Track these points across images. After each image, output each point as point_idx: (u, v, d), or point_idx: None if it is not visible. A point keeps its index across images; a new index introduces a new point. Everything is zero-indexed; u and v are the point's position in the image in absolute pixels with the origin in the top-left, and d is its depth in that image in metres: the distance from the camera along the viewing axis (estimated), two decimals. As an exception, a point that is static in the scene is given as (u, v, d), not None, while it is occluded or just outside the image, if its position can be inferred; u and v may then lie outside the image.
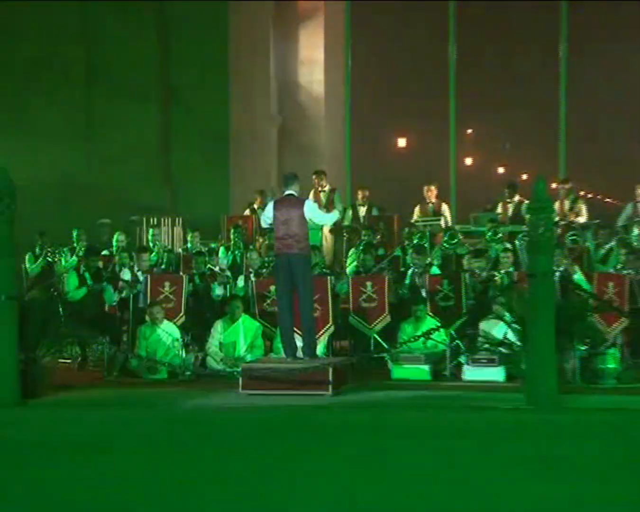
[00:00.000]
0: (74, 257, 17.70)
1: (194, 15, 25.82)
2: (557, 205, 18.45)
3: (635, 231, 18.21)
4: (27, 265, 17.81)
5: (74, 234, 18.45)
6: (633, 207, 19.46)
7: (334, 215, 15.14)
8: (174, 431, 11.40)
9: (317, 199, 17.71)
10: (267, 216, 14.21)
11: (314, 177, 19.40)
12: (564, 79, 24.78)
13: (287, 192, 14.08)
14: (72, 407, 12.88)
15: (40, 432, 11.38)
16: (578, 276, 15.56)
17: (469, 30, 27.81)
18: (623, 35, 45.61)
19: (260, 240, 19.01)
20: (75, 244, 18.25)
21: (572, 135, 25.71)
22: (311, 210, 14.12)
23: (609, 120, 50.45)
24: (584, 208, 19.68)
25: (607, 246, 17.85)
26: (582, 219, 19.34)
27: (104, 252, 18.28)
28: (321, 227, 18.76)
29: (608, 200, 46.35)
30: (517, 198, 19.95)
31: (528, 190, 14.80)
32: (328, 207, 17.53)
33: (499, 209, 20.07)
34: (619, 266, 16.23)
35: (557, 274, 14.53)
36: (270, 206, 14.19)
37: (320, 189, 19.30)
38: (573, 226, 18.83)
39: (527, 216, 18.66)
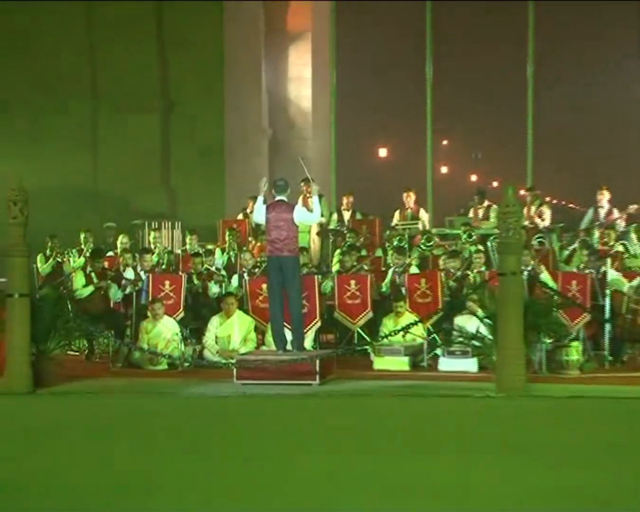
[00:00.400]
0: (82, 258, 17.67)
1: (192, 36, 25.85)
2: (524, 210, 18.46)
3: (596, 234, 18.24)
4: (39, 265, 17.77)
5: (82, 236, 18.41)
6: (594, 212, 19.47)
7: (317, 210, 15.15)
8: (174, 416, 11.41)
9: (305, 205, 17.65)
10: (259, 213, 14.22)
11: (302, 184, 19.37)
12: (531, 94, 24.79)
13: (278, 198, 14.09)
14: (79, 395, 12.86)
15: (51, 418, 11.37)
16: (544, 275, 15.59)
17: (444, 50, 27.86)
18: (588, 48, 45.78)
19: (253, 242, 19.02)
20: (83, 246, 18.21)
21: (539, 146, 25.72)
22: (300, 213, 14.21)
23: (573, 132, 50.61)
24: (548, 212, 19.71)
25: (571, 248, 17.89)
26: (545, 223, 19.35)
27: (109, 253, 18.25)
28: (309, 231, 18.77)
29: (571, 205, 46.46)
30: (486, 203, 20.01)
31: (498, 196, 14.84)
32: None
33: (471, 214, 20.12)
34: (581, 266, 16.24)
35: (525, 273, 14.55)
36: (263, 207, 14.17)
37: (308, 195, 19.25)
38: (540, 229, 18.87)
39: (492, 218, 18.87)
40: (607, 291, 15.15)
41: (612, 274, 15.54)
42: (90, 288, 16.29)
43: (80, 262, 17.44)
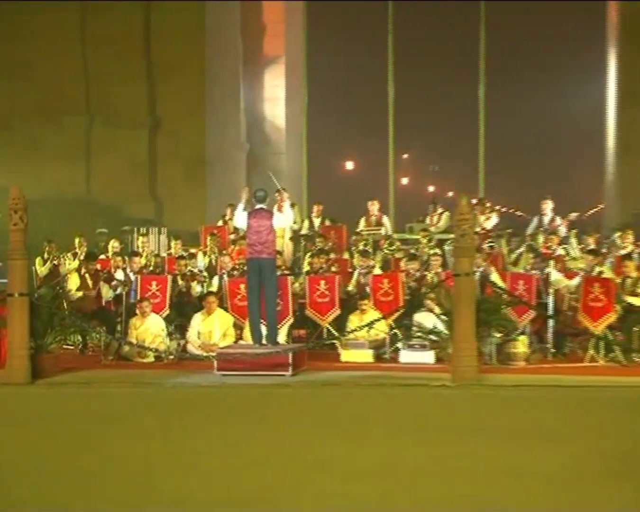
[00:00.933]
0: (76, 261, 17.58)
1: (178, 60, 25.88)
2: (476, 218, 18.49)
3: (541, 239, 18.31)
4: (37, 267, 17.66)
5: (76, 241, 18.32)
6: (539, 219, 19.56)
7: (288, 213, 15.14)
8: (161, 404, 11.37)
9: (279, 211, 17.56)
10: (240, 219, 14.26)
11: (276, 194, 19.32)
12: (482, 112, 24.90)
13: (258, 206, 14.09)
14: (74, 385, 12.79)
15: (48, 406, 11.31)
16: (494, 276, 15.63)
17: (405, 72, 27.91)
18: (535, 64, 45.98)
19: (232, 247, 18.97)
20: (77, 250, 18.13)
21: (490, 159, 25.84)
22: (277, 219, 14.27)
23: (521, 145, 50.80)
24: (494, 217, 19.79)
25: (518, 251, 17.95)
26: (490, 224, 19.41)
27: (102, 257, 18.17)
28: (283, 235, 18.73)
29: (519, 213, 46.62)
30: (440, 211, 20.08)
31: (453, 204, 14.87)
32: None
33: (428, 221, 20.18)
34: (527, 268, 16.29)
35: (477, 274, 14.58)
36: (244, 213, 14.17)
37: (281, 204, 19.16)
38: (490, 234, 18.93)
39: (441, 224, 18.96)
40: (550, 290, 15.22)
41: (555, 275, 15.62)
42: (80, 293, 16.19)
43: (74, 265, 17.35)
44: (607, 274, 15.32)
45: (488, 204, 20.86)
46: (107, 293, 16.43)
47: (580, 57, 37.77)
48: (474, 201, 19.58)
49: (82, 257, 17.51)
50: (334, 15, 39.45)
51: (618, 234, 18.40)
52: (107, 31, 25.89)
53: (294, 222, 18.60)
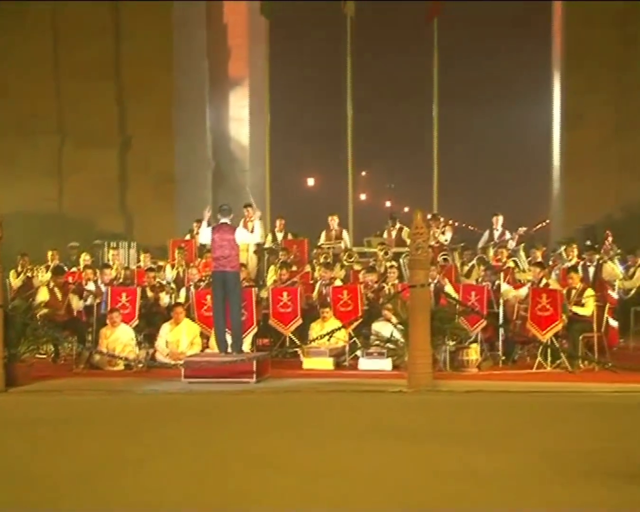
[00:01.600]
0: (48, 273, 17.45)
1: (147, 82, 25.82)
2: (430, 232, 18.54)
3: (491, 252, 18.40)
4: (11, 279, 17.52)
5: (49, 254, 18.19)
6: (489, 234, 19.67)
7: (257, 232, 15.11)
8: (131, 410, 11.30)
9: (245, 226, 17.55)
10: (205, 236, 14.21)
11: (244, 209, 19.27)
12: (436, 132, 25.03)
13: (222, 221, 14.04)
14: (47, 393, 12.68)
15: (22, 413, 11.19)
16: (448, 287, 15.69)
17: (362, 93, 28.02)
18: (487, 88, 46.32)
19: (199, 260, 18.89)
20: (49, 263, 17.99)
21: (443, 176, 25.95)
22: (241, 234, 14.17)
23: (472, 164, 51.15)
24: (450, 234, 19.86)
25: (470, 264, 18.02)
26: (448, 242, 19.48)
27: (73, 269, 18.04)
28: (247, 249, 18.67)
29: (471, 227, 46.94)
30: (398, 226, 20.11)
31: (408, 219, 14.92)
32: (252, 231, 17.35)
33: (385, 235, 20.20)
34: (479, 279, 16.37)
35: (432, 285, 14.62)
36: (208, 229, 14.13)
37: (248, 219, 19.15)
38: (444, 248, 18.99)
39: (408, 240, 18.95)
40: (501, 301, 15.29)
41: (505, 286, 15.69)
42: (46, 310, 15.89)
43: (47, 277, 17.22)
44: (554, 285, 15.41)
45: (442, 219, 20.96)
46: (77, 304, 16.29)
47: (527, 81, 38.17)
48: (429, 216, 19.66)
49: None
50: (296, 39, 39.62)
51: (563, 247, 18.54)
52: (79, 55, 25.82)
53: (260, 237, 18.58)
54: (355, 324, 15.47)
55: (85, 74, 25.78)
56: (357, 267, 18.18)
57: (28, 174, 25.50)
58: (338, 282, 16.85)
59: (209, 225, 14.25)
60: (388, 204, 51.58)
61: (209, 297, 15.17)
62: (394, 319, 14.69)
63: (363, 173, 51.33)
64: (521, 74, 41.32)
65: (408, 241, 19.21)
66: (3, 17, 25.74)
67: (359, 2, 24.75)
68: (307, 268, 18.51)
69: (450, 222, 24.03)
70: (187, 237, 20.76)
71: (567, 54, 25.84)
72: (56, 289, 16.16)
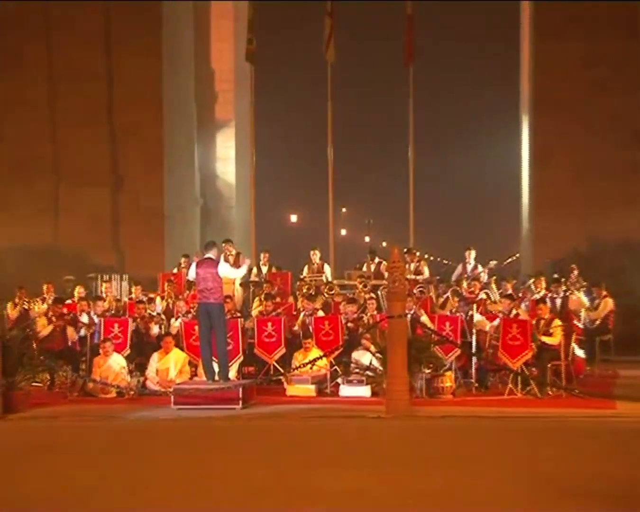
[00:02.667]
0: (44, 305, 17.41)
1: (137, 123, 25.89)
2: (407, 266, 18.61)
3: (465, 284, 18.47)
4: (9, 311, 17.47)
5: (44, 287, 18.17)
6: (462, 267, 19.76)
7: (242, 270, 15.13)
8: (123, 435, 11.27)
9: (226, 260, 17.58)
10: (192, 272, 14.32)
11: (223, 244, 19.29)
12: (412, 172, 25.15)
13: (206, 255, 14.11)
14: (43, 419, 12.63)
15: (18, 439, 11.14)
16: (424, 318, 15.74)
17: (342, 134, 28.22)
18: (462, 128, 46.66)
19: (187, 292, 18.88)
20: (45, 295, 17.96)
21: (419, 212, 26.05)
22: (223, 269, 14.14)
23: (446, 200, 51.39)
24: (426, 268, 19.93)
25: (445, 296, 18.07)
26: (424, 276, 19.54)
27: (68, 301, 18.00)
28: (234, 282, 18.68)
29: (445, 261, 47.04)
30: (377, 260, 20.16)
31: (386, 254, 14.98)
32: (236, 265, 17.38)
33: (365, 268, 20.25)
34: (453, 310, 16.44)
35: (409, 316, 14.67)
36: (193, 265, 14.28)
37: (228, 253, 19.16)
38: (419, 281, 19.04)
39: (386, 274, 18.99)
40: (474, 330, 15.35)
41: (477, 317, 15.76)
42: (50, 327, 16.02)
43: (42, 309, 17.18)
44: (523, 316, 15.49)
45: (417, 253, 21.02)
46: (72, 334, 16.26)
47: (497, 124, 38.51)
48: (405, 250, 19.74)
49: (49, 302, 17.35)
50: (280, 84, 39.88)
51: (532, 280, 18.66)
52: (72, 100, 25.91)
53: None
54: (336, 352, 15.46)
55: (79, 117, 25.87)
56: (337, 298, 18.21)
57: (25, 212, 25.46)
58: (320, 313, 16.88)
59: (197, 265, 14.30)
60: (367, 239, 51.68)
61: (196, 327, 15.15)
62: (372, 348, 14.75)
63: (343, 210, 51.52)
64: (492, 116, 41.74)
65: (386, 274, 19.49)
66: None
67: (340, 48, 24.94)
68: (291, 299, 18.54)
69: (426, 256, 24.12)
70: (176, 270, 20.75)
71: (534, 98, 26.06)
72: (54, 318, 16.14)
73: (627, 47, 24.50)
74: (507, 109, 32.96)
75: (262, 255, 20.84)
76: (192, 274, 14.36)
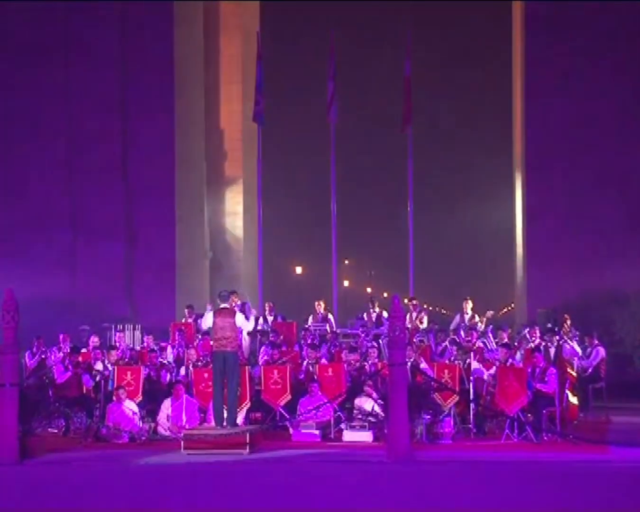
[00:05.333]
0: (61, 353, 17.36)
1: (149, 180, 26.15)
2: (407, 315, 18.57)
3: (462, 334, 18.41)
4: (26, 360, 17.42)
5: (61, 337, 18.13)
6: (460, 317, 19.74)
7: (251, 322, 15.20)
8: (135, 479, 11.20)
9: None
10: (208, 321, 14.33)
11: (230, 295, 19.25)
12: (411, 227, 25.19)
13: (222, 305, 14.16)
14: (59, 464, 12.55)
15: (34, 483, 11.07)
16: (423, 365, 15.67)
17: (345, 190, 28.32)
18: (457, 183, 46.88)
19: (196, 341, 18.81)
20: (61, 344, 17.92)
21: (418, 265, 26.05)
22: (240, 319, 14.26)
23: (445, 253, 51.46)
24: (425, 318, 19.88)
25: (443, 344, 17.99)
26: (424, 325, 19.49)
27: (83, 350, 17.94)
28: (241, 331, 18.63)
29: (443, 311, 47.03)
30: (377, 309, 20.14)
31: (387, 303, 14.96)
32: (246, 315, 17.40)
33: (366, 317, 20.21)
34: (452, 359, 16.37)
35: (409, 364, 14.61)
36: (210, 314, 14.27)
37: (233, 303, 19.11)
38: (419, 330, 18.97)
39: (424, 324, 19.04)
40: (471, 378, 15.28)
41: (475, 365, 15.69)
42: (68, 373, 15.95)
43: (59, 358, 17.13)
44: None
45: (415, 302, 20.90)
46: (87, 382, 16.19)
47: (492, 181, 38.67)
48: (405, 301, 19.71)
49: (67, 350, 17.32)
50: (286, 143, 40.15)
51: (527, 329, 18.59)
52: (89, 158, 26.18)
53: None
54: (340, 399, 15.39)
55: (96, 174, 26.10)
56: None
57: (43, 266, 25.54)
58: (323, 361, 16.80)
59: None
60: (369, 289, 51.64)
61: (206, 375, 15.14)
62: (374, 395, 14.66)
63: (346, 262, 51.53)
64: (486, 175, 41.95)
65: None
66: (23, 127, 26.19)
67: (343, 109, 25.11)
68: (296, 348, 18.46)
69: (425, 306, 24.07)
70: (183, 320, 20.70)
71: (526, 159, 26.21)
72: (70, 366, 16.10)
73: (612, 108, 24.69)
74: (501, 168, 33.15)
75: (266, 305, 20.83)
76: (208, 323, 14.37)
